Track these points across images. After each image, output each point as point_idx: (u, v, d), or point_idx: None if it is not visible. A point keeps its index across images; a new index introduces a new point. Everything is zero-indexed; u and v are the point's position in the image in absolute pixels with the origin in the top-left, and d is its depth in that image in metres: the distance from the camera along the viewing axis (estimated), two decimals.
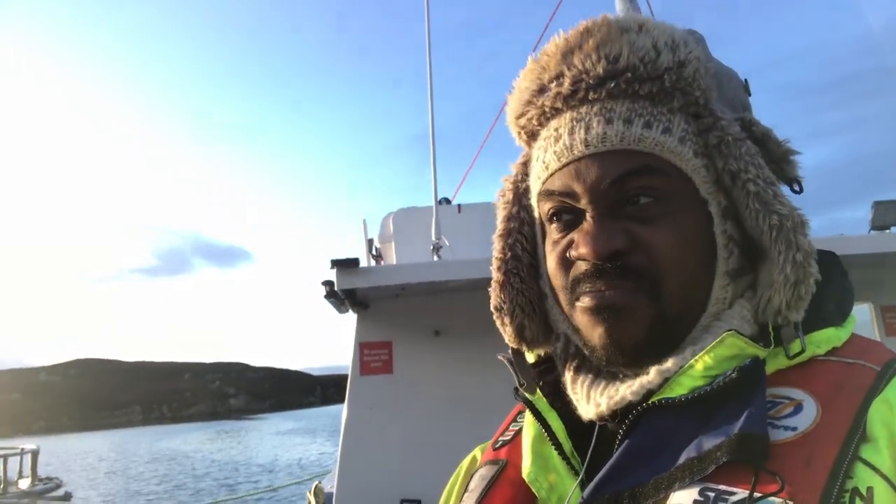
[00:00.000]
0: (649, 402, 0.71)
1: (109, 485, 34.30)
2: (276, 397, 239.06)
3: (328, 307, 4.43)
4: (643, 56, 0.75)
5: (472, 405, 3.90)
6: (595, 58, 0.76)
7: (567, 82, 0.77)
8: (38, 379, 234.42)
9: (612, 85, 0.75)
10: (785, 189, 0.79)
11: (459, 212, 5.59)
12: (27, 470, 15.55)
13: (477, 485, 0.86)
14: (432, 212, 4.67)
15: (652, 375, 0.72)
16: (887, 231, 4.44)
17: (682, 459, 0.66)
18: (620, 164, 0.73)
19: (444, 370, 4.37)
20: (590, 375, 0.79)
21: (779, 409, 0.68)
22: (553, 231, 0.80)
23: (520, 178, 0.89)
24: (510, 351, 0.90)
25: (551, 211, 0.79)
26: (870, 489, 0.60)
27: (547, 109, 0.80)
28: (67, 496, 15.02)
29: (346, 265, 3.72)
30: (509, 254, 0.87)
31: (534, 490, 0.79)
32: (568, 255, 0.77)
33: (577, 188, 0.75)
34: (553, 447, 0.80)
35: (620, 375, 0.76)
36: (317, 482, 5.34)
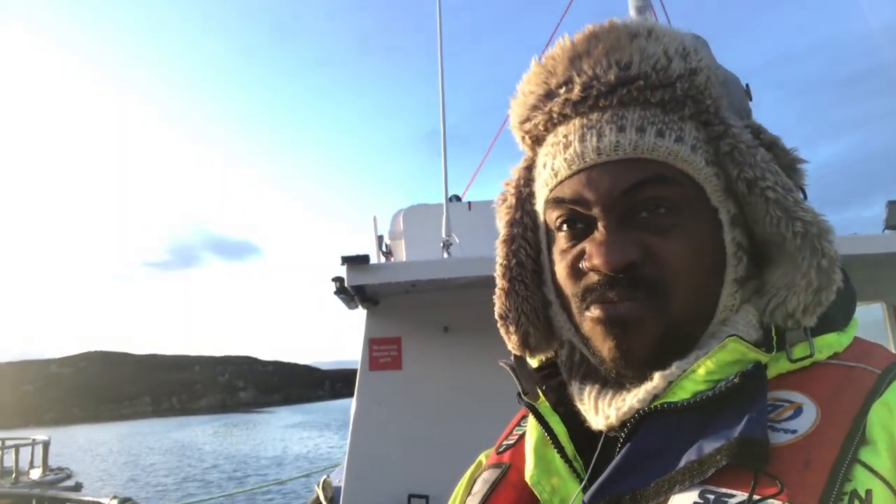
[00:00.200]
0: (651, 405, 0.71)
1: (119, 476, 34.51)
2: (285, 391, 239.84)
3: (337, 303, 4.45)
4: (655, 63, 0.74)
5: (480, 401, 3.90)
6: (606, 64, 0.75)
7: (577, 88, 0.76)
8: (50, 371, 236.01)
9: (624, 92, 0.74)
10: None
11: (469, 209, 5.58)
12: (38, 460, 15.71)
13: (480, 488, 0.86)
14: (442, 209, 4.69)
15: (657, 381, 0.72)
16: None
17: (682, 463, 0.66)
18: (633, 173, 0.73)
19: (452, 366, 4.37)
20: (596, 385, 0.79)
21: (779, 412, 0.68)
22: (562, 239, 0.79)
23: (522, 182, 0.87)
24: (512, 357, 0.90)
25: (560, 219, 0.78)
26: (868, 492, 0.60)
27: (555, 115, 0.79)
28: (78, 486, 15.15)
29: (356, 262, 3.74)
30: (514, 260, 0.86)
31: (536, 493, 0.79)
32: (581, 265, 0.76)
33: (589, 196, 0.74)
34: (556, 451, 0.80)
35: (627, 384, 0.75)
36: (325, 476, 5.37)
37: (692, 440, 0.67)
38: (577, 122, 0.77)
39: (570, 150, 0.76)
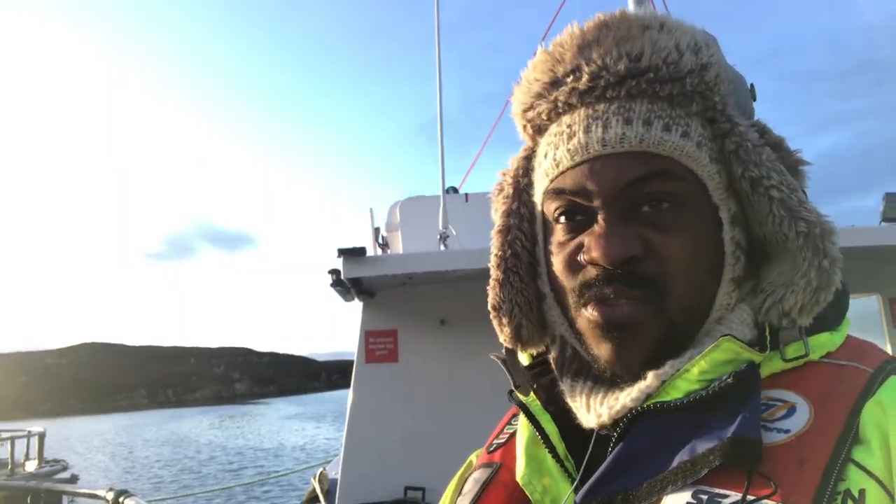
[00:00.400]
0: (644, 405, 0.71)
1: (115, 468, 34.55)
2: (281, 382, 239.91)
3: (334, 294, 4.44)
4: (666, 56, 0.73)
5: (476, 394, 3.91)
6: (616, 54, 0.74)
7: (585, 77, 0.74)
8: (46, 362, 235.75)
9: (633, 84, 0.73)
10: None
11: (467, 201, 5.56)
12: (34, 452, 15.69)
13: (471, 488, 0.85)
14: (439, 201, 4.67)
15: (650, 380, 0.71)
16: None
17: (675, 463, 0.65)
18: (639, 166, 0.72)
19: (448, 359, 4.38)
20: (588, 383, 0.78)
21: (772, 411, 0.67)
22: (560, 231, 0.77)
23: (520, 172, 0.86)
24: (504, 351, 0.89)
25: (559, 210, 0.77)
26: (862, 491, 0.60)
27: (560, 104, 0.77)
28: (74, 478, 15.11)
29: (352, 254, 3.74)
30: (509, 251, 0.84)
31: (527, 493, 0.78)
32: (579, 258, 0.74)
33: (591, 188, 0.73)
34: (547, 450, 0.79)
35: (619, 383, 0.75)
36: (321, 469, 5.38)
37: (685, 440, 0.67)
38: (582, 112, 0.75)
39: (575, 140, 0.74)
